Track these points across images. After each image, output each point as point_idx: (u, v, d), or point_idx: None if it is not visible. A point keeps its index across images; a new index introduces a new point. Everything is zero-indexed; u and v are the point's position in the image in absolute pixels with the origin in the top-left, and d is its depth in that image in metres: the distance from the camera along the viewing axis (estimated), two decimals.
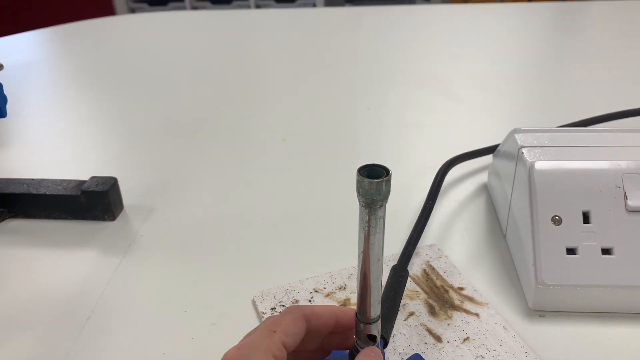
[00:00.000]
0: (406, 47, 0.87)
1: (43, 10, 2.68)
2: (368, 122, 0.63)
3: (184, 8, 2.68)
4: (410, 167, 0.53)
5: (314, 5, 2.58)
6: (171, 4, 2.69)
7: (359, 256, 0.26)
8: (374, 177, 0.24)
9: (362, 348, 0.28)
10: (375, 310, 0.27)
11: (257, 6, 2.64)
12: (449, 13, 1.07)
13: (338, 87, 0.73)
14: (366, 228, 0.25)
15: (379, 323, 0.28)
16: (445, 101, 0.67)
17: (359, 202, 0.25)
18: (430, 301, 0.37)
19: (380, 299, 0.27)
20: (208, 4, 2.67)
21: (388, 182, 0.24)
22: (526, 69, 0.77)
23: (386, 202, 0.25)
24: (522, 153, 0.38)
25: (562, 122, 0.56)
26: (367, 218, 0.25)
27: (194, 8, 2.68)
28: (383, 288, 0.36)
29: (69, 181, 0.47)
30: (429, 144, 0.57)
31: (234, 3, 2.64)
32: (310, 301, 0.37)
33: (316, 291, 0.38)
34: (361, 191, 0.24)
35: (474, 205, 0.47)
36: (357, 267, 0.27)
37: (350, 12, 1.12)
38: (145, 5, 2.73)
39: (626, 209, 0.35)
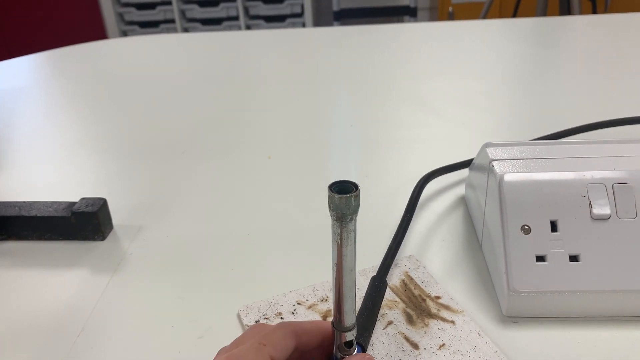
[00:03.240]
0: (391, 65, 0.90)
1: (35, 35, 2.70)
2: (351, 139, 0.64)
3: (175, 30, 2.71)
4: (391, 181, 0.55)
5: (303, 24, 2.62)
6: (162, 26, 2.73)
7: (333, 267, 0.28)
8: (344, 192, 0.26)
9: (340, 356, 0.30)
10: (349, 318, 0.29)
11: (247, 27, 2.67)
12: (434, 31, 1.10)
13: (323, 105, 0.75)
14: (338, 240, 0.27)
15: (354, 331, 0.29)
16: (426, 117, 0.69)
17: (331, 216, 0.26)
18: (409, 310, 0.38)
19: (354, 307, 0.29)
20: (199, 25, 2.70)
21: (357, 197, 0.26)
22: (506, 84, 0.79)
23: (356, 216, 0.26)
24: (493, 166, 0.40)
25: (538, 134, 0.58)
26: (339, 231, 0.27)
27: (185, 29, 2.72)
28: (362, 298, 0.37)
29: (60, 203, 0.49)
30: (410, 159, 0.59)
31: (224, 24, 2.68)
32: (293, 313, 0.38)
33: (299, 303, 0.39)
34: (332, 206, 0.26)
35: (452, 218, 0.48)
36: (331, 278, 0.28)
37: (338, 32, 1.14)
38: (136, 28, 2.76)
39: (591, 217, 0.37)
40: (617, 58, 0.87)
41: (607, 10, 2.46)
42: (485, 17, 1.86)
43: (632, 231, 0.36)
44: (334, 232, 0.27)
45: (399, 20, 2.85)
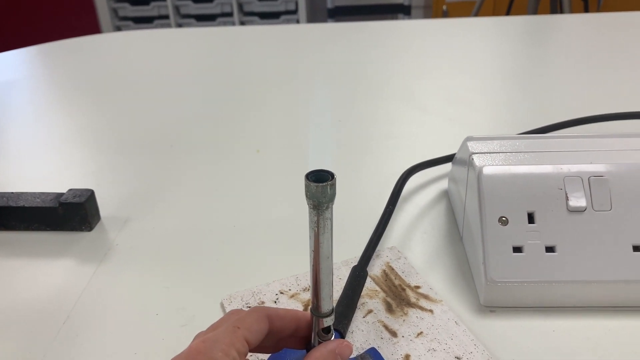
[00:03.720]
0: (383, 62, 0.90)
1: (29, 29, 2.70)
2: (339, 133, 0.65)
3: (169, 25, 2.71)
4: (377, 175, 0.55)
5: (298, 21, 2.62)
6: (156, 22, 2.72)
7: (310, 254, 0.28)
8: (320, 181, 0.26)
9: (319, 341, 0.30)
10: (327, 304, 0.29)
11: (242, 23, 2.67)
12: (427, 28, 1.10)
13: (312, 101, 0.76)
14: (315, 228, 0.27)
15: (332, 317, 0.30)
16: (415, 112, 0.70)
17: (308, 204, 0.27)
18: (388, 299, 0.39)
19: (332, 293, 0.30)
20: (193, 21, 2.70)
21: (333, 185, 0.26)
22: (494, 81, 0.80)
23: (332, 204, 0.27)
24: (473, 159, 0.40)
25: (525, 130, 0.59)
26: (316, 219, 0.27)
27: (179, 25, 2.72)
28: (343, 287, 0.38)
29: (47, 194, 0.49)
30: (397, 153, 0.60)
31: (219, 20, 2.68)
32: (275, 302, 0.39)
33: (282, 293, 0.40)
34: (309, 194, 0.26)
35: (434, 210, 0.49)
36: (309, 265, 0.29)
37: (330, 29, 1.15)
38: (130, 23, 2.76)
39: (567, 209, 0.38)
40: (605, 56, 0.88)
41: (599, 9, 2.47)
42: (476, 15, 1.86)
43: (606, 223, 0.37)
44: (311, 220, 0.27)
45: (393, 18, 2.85)
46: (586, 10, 2.16)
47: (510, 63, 0.88)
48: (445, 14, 2.70)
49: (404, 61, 0.90)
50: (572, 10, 1.83)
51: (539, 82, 0.79)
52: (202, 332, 0.29)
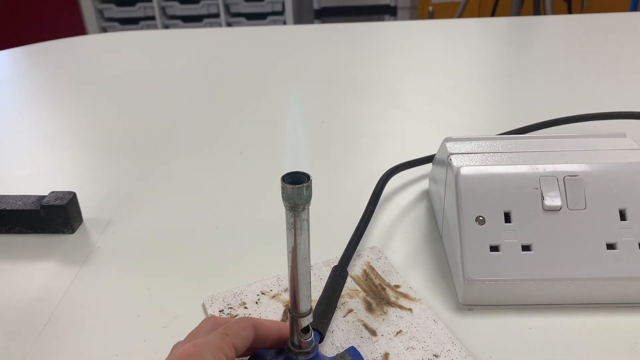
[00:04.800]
0: (367, 63, 0.91)
1: (13, 31, 2.67)
2: (322, 134, 0.66)
3: (155, 26, 2.70)
4: (359, 175, 0.56)
5: (284, 22, 2.63)
6: (142, 23, 2.71)
7: (287, 255, 0.29)
8: (296, 183, 0.27)
9: (297, 343, 0.31)
10: (305, 304, 0.30)
11: (228, 24, 2.67)
12: (412, 29, 1.11)
13: (295, 102, 0.76)
14: (292, 229, 0.28)
15: (310, 317, 0.30)
16: (397, 113, 0.70)
17: (285, 206, 0.27)
18: (368, 299, 0.39)
19: (309, 293, 0.30)
20: (179, 22, 2.69)
21: (309, 187, 0.27)
22: (476, 82, 0.81)
23: (308, 206, 0.27)
24: (451, 159, 0.41)
25: (504, 129, 0.60)
26: (292, 220, 0.28)
27: (165, 26, 2.71)
28: (323, 287, 0.38)
29: (29, 197, 0.49)
30: (379, 153, 0.60)
31: (205, 21, 2.67)
32: (257, 303, 0.39)
33: (263, 293, 0.40)
34: (285, 196, 0.27)
35: (415, 210, 0.50)
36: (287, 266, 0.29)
37: (317, 30, 1.15)
38: (116, 24, 2.75)
39: (543, 208, 0.38)
40: (586, 57, 0.89)
41: (582, 10, 2.50)
42: (460, 16, 1.88)
43: (581, 222, 0.38)
44: (287, 222, 0.28)
45: (380, 19, 2.87)
46: (569, 11, 2.19)
47: (493, 64, 0.89)
48: (431, 15, 2.72)
49: (388, 62, 0.91)
50: (555, 11, 1.85)
51: (520, 82, 0.80)
52: (180, 342, 0.30)
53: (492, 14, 2.27)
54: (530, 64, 0.88)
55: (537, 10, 1.67)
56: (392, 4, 2.56)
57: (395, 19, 2.57)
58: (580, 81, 0.79)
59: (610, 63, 0.85)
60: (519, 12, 1.65)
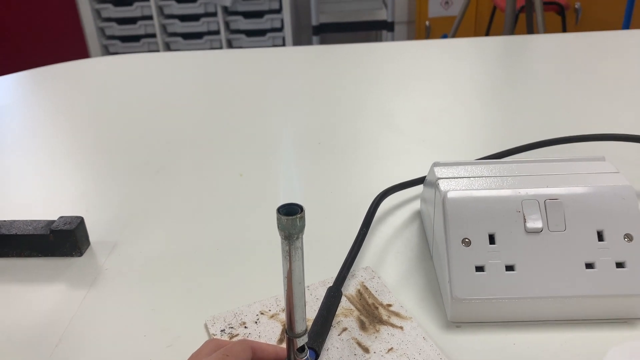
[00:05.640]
0: (362, 84, 0.93)
1: (18, 49, 2.71)
2: (318, 156, 0.68)
3: (155, 44, 2.73)
4: (354, 197, 0.58)
5: (283, 39, 2.66)
6: (143, 40, 2.75)
7: (283, 280, 0.31)
8: (290, 214, 0.29)
9: None
10: (300, 325, 0.32)
11: (228, 41, 2.71)
12: (408, 50, 1.14)
13: (292, 124, 0.79)
14: (287, 257, 0.30)
15: (305, 337, 0.33)
16: (390, 134, 0.73)
17: (280, 235, 0.30)
18: (362, 317, 0.42)
19: (304, 315, 0.32)
20: (180, 39, 2.73)
21: (302, 218, 0.29)
22: (468, 102, 0.83)
23: (302, 235, 0.30)
24: (438, 184, 0.43)
25: (494, 151, 0.62)
26: (288, 248, 0.30)
27: (166, 44, 2.74)
28: (319, 307, 0.41)
29: (39, 221, 0.52)
30: (372, 175, 0.63)
31: (205, 38, 2.71)
32: (256, 322, 0.42)
33: (262, 313, 0.43)
34: (280, 226, 0.29)
35: (408, 231, 0.52)
36: (282, 290, 0.32)
37: (315, 51, 1.18)
38: (118, 42, 2.78)
39: (525, 230, 0.41)
40: (577, 78, 0.91)
41: (577, 23, 2.53)
42: (456, 31, 1.91)
43: (561, 243, 0.40)
44: (283, 249, 0.30)
45: (377, 34, 2.90)
46: (564, 24, 2.22)
47: (485, 84, 0.91)
48: (428, 30, 2.76)
49: (381, 83, 0.94)
50: (549, 26, 1.89)
51: (512, 103, 0.82)
52: None
53: (487, 32, 2.31)
54: (521, 84, 0.91)
55: (531, 28, 1.70)
56: (390, 20, 2.60)
57: (393, 34, 2.61)
58: (571, 101, 0.81)
59: (600, 83, 0.88)
60: (512, 30, 1.69)
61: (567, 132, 0.62)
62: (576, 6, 2.56)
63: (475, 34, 2.67)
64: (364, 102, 0.85)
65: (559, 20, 2.26)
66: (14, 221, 0.52)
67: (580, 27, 2.52)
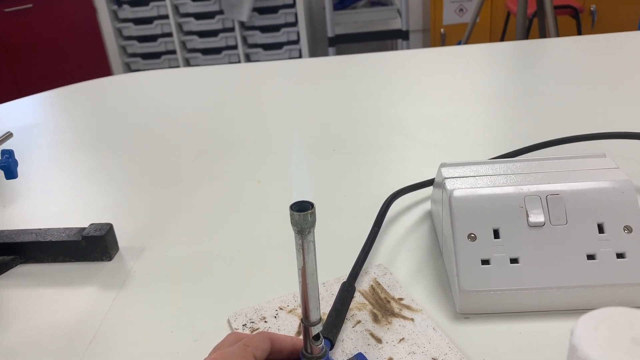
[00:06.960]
0: (375, 92, 0.96)
1: (44, 69, 2.80)
2: (333, 162, 0.71)
3: (176, 59, 2.80)
4: (367, 199, 0.61)
5: (300, 51, 2.70)
6: (164, 57, 2.82)
7: (298, 272, 0.34)
8: (302, 210, 0.32)
9: (309, 349, 0.36)
10: (314, 314, 0.35)
11: (246, 55, 2.76)
12: (421, 57, 1.16)
13: (309, 132, 0.82)
14: (300, 250, 0.33)
15: (320, 325, 0.35)
16: (402, 140, 0.75)
17: (293, 230, 0.33)
18: (375, 311, 0.44)
19: (318, 305, 0.35)
20: (199, 55, 2.79)
21: (313, 213, 0.32)
22: (478, 107, 0.85)
23: (314, 229, 0.33)
24: (445, 183, 0.46)
25: (504, 152, 0.64)
26: (300, 242, 0.33)
27: (186, 60, 2.81)
28: (334, 301, 0.43)
29: (71, 229, 0.55)
30: (385, 179, 0.65)
31: (224, 53, 2.76)
32: (275, 317, 0.44)
33: (281, 309, 0.45)
34: (293, 222, 0.32)
35: (419, 230, 0.54)
36: (298, 282, 0.34)
37: (330, 62, 1.21)
38: (139, 59, 2.86)
39: (528, 224, 0.43)
40: (589, 80, 0.93)
41: (593, 27, 2.53)
42: (468, 38, 1.93)
43: (563, 236, 0.42)
44: (296, 243, 0.33)
45: (392, 43, 2.93)
46: (579, 29, 2.22)
47: (496, 90, 0.93)
48: (443, 37, 2.78)
49: (394, 91, 0.96)
50: (565, 30, 1.89)
51: (522, 107, 0.84)
52: (206, 358, 0.35)
53: (502, 37, 2.32)
54: (533, 88, 0.92)
55: (543, 32, 1.71)
56: (404, 28, 2.63)
57: (408, 43, 2.63)
58: (583, 104, 0.83)
59: (613, 85, 0.89)
60: (525, 35, 1.70)
61: (579, 132, 0.63)
62: (592, 9, 2.56)
63: (491, 39, 2.68)
64: (378, 109, 0.88)
65: (574, 24, 2.26)
66: (49, 229, 0.56)
67: (597, 30, 2.52)
